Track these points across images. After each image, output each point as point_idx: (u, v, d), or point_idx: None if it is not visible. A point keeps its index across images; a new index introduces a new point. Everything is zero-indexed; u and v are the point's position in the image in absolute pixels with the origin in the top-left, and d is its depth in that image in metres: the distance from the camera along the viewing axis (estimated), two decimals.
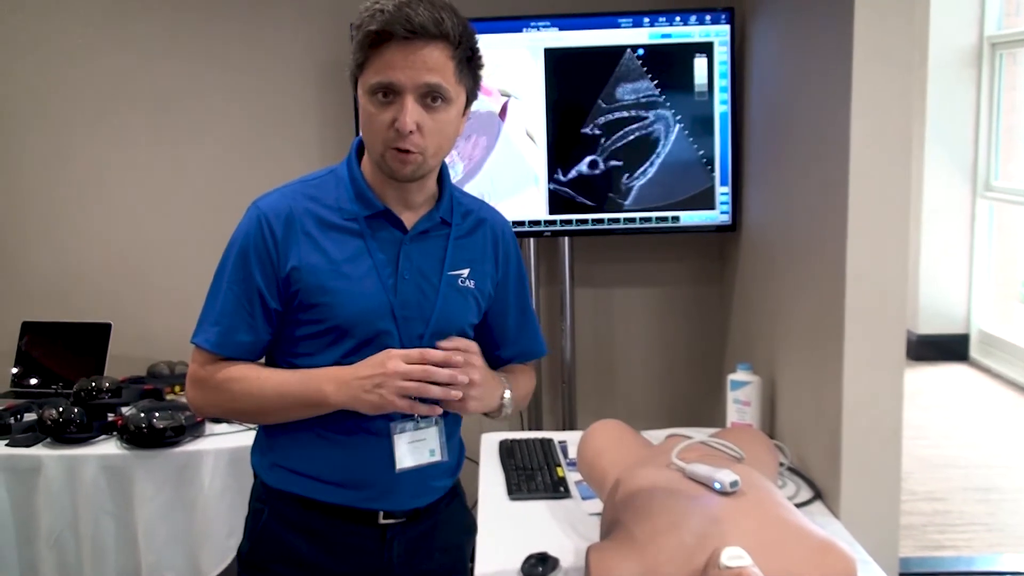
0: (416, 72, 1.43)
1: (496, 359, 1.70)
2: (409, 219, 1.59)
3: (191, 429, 2.67)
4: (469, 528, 1.84)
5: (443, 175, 1.64)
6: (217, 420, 2.73)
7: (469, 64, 1.50)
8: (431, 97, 1.46)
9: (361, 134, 1.54)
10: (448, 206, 1.63)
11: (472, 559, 1.85)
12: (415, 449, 1.59)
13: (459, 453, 1.75)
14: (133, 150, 3.32)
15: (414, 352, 1.47)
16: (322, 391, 1.49)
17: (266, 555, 1.64)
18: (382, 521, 1.63)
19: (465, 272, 1.63)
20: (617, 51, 2.93)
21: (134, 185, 3.35)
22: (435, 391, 1.47)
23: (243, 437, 2.65)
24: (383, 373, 1.45)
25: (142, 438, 2.62)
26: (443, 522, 1.72)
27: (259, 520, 1.65)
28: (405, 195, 1.57)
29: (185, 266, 3.32)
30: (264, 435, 1.67)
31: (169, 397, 2.97)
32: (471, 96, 1.55)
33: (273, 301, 1.54)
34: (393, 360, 1.45)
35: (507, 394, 1.61)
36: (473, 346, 1.56)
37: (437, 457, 1.61)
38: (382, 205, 1.56)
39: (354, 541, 1.62)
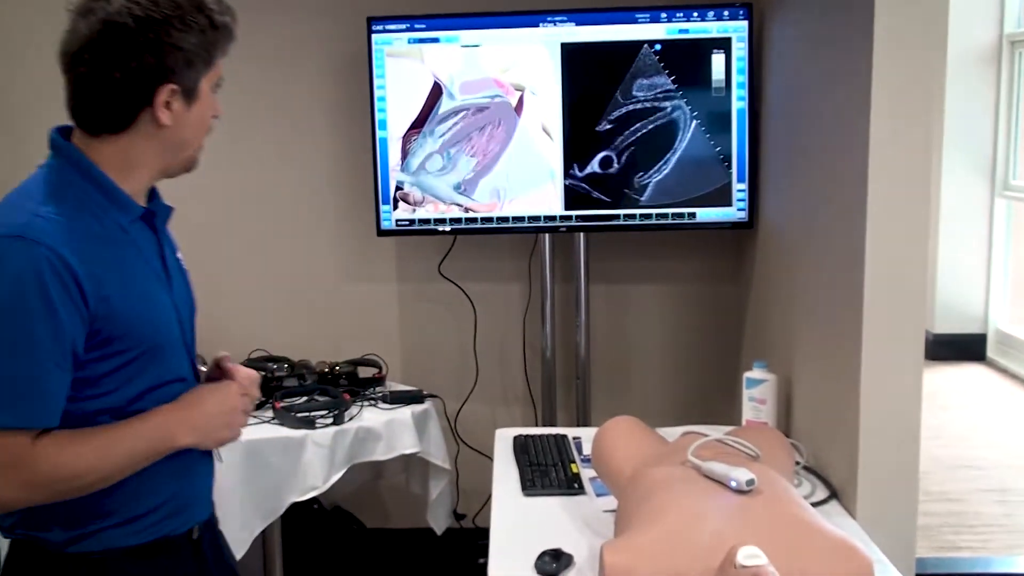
0: None
1: None
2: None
3: None
4: None
5: None
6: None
7: None
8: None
9: (180, 133, 1.44)
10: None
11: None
12: None
13: None
14: None
15: (254, 374, 1.53)
16: (175, 440, 1.40)
17: None
18: (195, 537, 1.55)
19: (180, 254, 1.60)
20: (634, 46, 2.92)
21: None
22: None
23: (257, 430, 2.63)
24: (239, 409, 1.49)
25: None
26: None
27: None
28: (144, 189, 1.48)
29: (195, 269, 3.31)
30: (66, 504, 1.36)
31: None
32: None
33: (80, 346, 1.31)
34: (248, 397, 1.51)
35: None
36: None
37: None
38: (142, 207, 1.45)
39: (177, 569, 1.51)
